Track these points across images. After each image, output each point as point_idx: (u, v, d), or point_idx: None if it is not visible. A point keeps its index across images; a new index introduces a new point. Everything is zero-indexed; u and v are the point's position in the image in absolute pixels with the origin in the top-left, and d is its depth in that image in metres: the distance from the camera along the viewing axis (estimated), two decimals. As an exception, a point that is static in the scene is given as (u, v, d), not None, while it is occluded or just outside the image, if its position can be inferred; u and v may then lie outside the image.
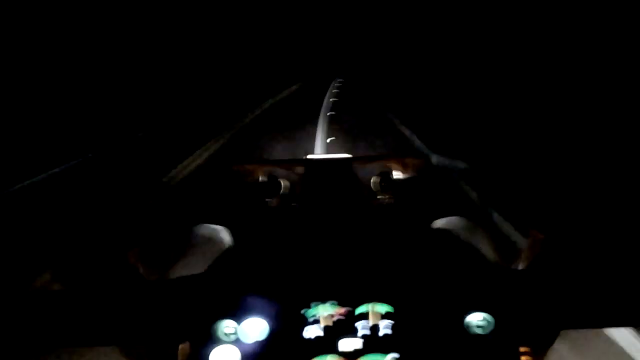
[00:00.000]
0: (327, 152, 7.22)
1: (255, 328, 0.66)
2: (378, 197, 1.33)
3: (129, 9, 17.99)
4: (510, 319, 0.67)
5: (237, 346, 0.65)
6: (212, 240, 1.07)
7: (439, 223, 1.04)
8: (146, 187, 5.08)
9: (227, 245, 1.07)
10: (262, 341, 0.65)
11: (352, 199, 1.12)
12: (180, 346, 0.80)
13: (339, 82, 26.92)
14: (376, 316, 0.66)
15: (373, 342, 0.65)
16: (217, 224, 1.13)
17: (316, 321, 0.66)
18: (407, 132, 8.60)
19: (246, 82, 22.08)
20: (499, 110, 10.41)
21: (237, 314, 0.66)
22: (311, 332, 0.66)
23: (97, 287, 0.70)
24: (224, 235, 1.09)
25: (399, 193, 1.32)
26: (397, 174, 1.34)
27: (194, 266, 1.01)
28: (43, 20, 13.37)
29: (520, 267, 0.97)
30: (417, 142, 7.29)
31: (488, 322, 0.66)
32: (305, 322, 0.66)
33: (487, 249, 0.95)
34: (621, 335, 2.20)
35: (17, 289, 2.53)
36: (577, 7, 11.94)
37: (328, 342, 0.65)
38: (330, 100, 16.75)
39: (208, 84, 19.27)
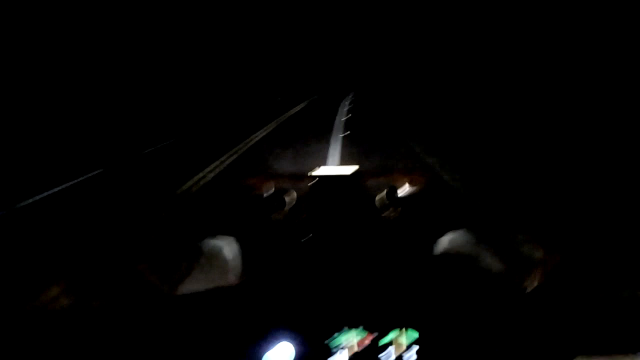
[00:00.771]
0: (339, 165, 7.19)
1: (281, 356, 0.64)
2: (384, 213, 1.31)
3: (147, 25, 18.54)
4: (531, 345, 0.64)
5: None
6: (219, 254, 1.06)
7: (446, 238, 1.01)
8: (160, 200, 5.14)
9: (233, 260, 1.06)
10: None
11: (358, 215, 1.10)
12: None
13: (353, 97, 27.12)
14: (401, 346, 0.65)
15: None
16: (225, 237, 1.12)
17: (342, 349, 0.65)
18: (430, 160, 8.36)
19: (261, 96, 22.39)
20: (510, 120, 10.30)
21: (262, 341, 0.65)
22: (337, 359, 0.65)
23: (109, 301, 0.69)
24: (230, 248, 1.08)
25: (405, 209, 1.29)
26: (402, 190, 1.32)
27: (200, 281, 1.00)
28: (60, 35, 13.86)
29: (533, 285, 0.93)
30: (445, 175, 6.97)
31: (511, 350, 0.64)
32: (331, 350, 0.65)
33: (496, 268, 0.92)
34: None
35: (25, 303, 2.56)
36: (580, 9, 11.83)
37: None
38: (344, 114, 16.84)
39: (223, 97, 19.59)
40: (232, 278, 0.99)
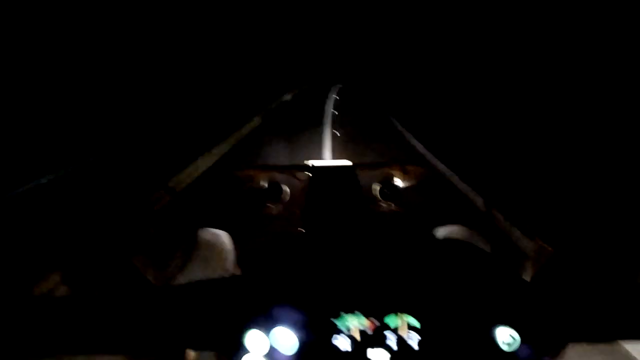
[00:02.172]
0: (333, 158, 7.21)
1: (286, 339, 0.65)
2: (380, 204, 1.31)
3: (135, 15, 18.20)
4: (534, 334, 0.66)
5: (268, 357, 0.64)
6: (214, 245, 1.07)
7: (440, 233, 1.02)
8: (152, 192, 5.10)
9: (228, 250, 1.06)
10: (294, 352, 0.65)
11: (355, 206, 1.11)
12: (187, 352, 0.78)
13: (342, 86, 26.91)
14: (405, 329, 0.66)
15: (401, 354, 0.66)
16: (219, 229, 1.12)
17: (345, 331, 0.66)
18: (416, 143, 8.41)
19: (250, 87, 22.18)
20: (504, 113, 10.37)
21: (267, 324, 0.66)
22: (340, 342, 0.66)
23: (105, 292, 0.69)
24: (225, 239, 1.08)
25: (400, 200, 1.30)
26: (398, 182, 1.32)
27: (196, 271, 1.00)
28: (49, 24, 13.54)
29: (527, 278, 0.95)
30: (429, 155, 7.06)
31: (514, 339, 0.65)
32: (334, 332, 0.66)
33: (491, 260, 0.93)
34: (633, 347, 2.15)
35: (21, 293, 2.53)
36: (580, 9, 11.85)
37: (357, 352, 0.65)
38: (334, 104, 16.78)
39: (213, 89, 19.38)
40: (230, 266, 0.99)
